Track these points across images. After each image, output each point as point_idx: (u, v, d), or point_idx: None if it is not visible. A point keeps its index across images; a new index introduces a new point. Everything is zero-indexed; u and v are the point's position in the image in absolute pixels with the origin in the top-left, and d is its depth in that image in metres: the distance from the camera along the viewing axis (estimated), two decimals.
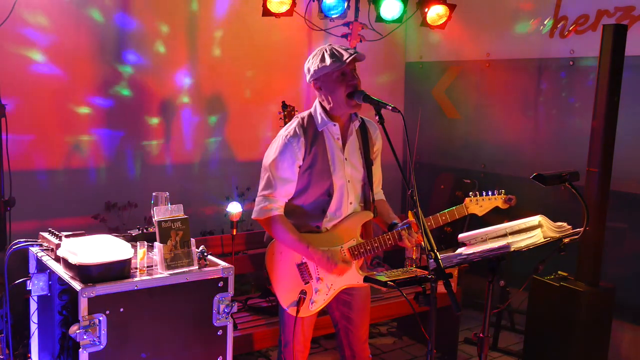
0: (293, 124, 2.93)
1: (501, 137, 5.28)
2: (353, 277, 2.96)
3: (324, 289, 2.94)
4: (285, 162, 2.86)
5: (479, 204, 2.99)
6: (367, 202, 3.02)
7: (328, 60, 2.78)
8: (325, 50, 2.82)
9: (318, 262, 2.88)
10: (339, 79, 2.79)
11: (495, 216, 3.04)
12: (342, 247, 2.94)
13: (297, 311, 2.87)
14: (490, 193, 2.99)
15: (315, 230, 2.93)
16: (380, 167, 3.11)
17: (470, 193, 2.99)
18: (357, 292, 3.04)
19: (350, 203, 2.96)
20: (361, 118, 3.01)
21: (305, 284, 2.91)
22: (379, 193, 3.14)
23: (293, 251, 2.91)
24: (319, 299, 2.94)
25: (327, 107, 2.89)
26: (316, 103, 2.94)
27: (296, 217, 2.92)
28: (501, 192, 3.01)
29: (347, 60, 2.75)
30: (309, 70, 2.88)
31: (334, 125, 2.90)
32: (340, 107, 2.84)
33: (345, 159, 2.93)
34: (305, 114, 2.97)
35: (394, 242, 2.92)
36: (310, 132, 2.89)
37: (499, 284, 4.55)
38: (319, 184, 2.89)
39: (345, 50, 2.80)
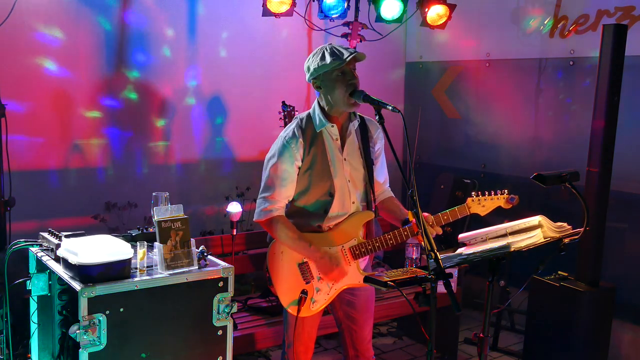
0: (292, 125, 2.94)
1: (501, 137, 5.28)
2: (355, 277, 2.96)
3: (325, 289, 2.94)
4: (284, 163, 2.86)
5: (481, 204, 2.96)
6: (369, 201, 3.02)
7: (328, 59, 2.78)
8: (326, 49, 2.82)
9: (319, 261, 2.87)
10: (339, 77, 2.79)
11: (496, 216, 3.04)
12: (343, 247, 2.94)
13: (298, 311, 2.87)
14: (492, 193, 2.97)
15: (316, 229, 2.93)
16: (385, 165, 3.11)
17: (473, 193, 2.96)
18: (361, 292, 3.03)
19: (353, 202, 2.96)
20: (361, 117, 3.01)
21: (306, 283, 2.91)
22: (386, 191, 3.13)
23: (294, 251, 2.90)
24: (321, 299, 2.94)
25: (326, 106, 2.89)
26: (315, 104, 2.94)
27: (298, 217, 2.93)
28: (504, 191, 2.99)
29: (347, 59, 2.75)
30: (308, 68, 2.88)
31: (332, 126, 2.90)
32: (339, 106, 2.84)
33: (345, 159, 2.93)
34: (304, 115, 2.97)
35: (397, 241, 2.91)
36: (309, 133, 2.89)
37: (499, 284, 4.55)
38: (320, 185, 2.90)
39: (346, 49, 2.81)
